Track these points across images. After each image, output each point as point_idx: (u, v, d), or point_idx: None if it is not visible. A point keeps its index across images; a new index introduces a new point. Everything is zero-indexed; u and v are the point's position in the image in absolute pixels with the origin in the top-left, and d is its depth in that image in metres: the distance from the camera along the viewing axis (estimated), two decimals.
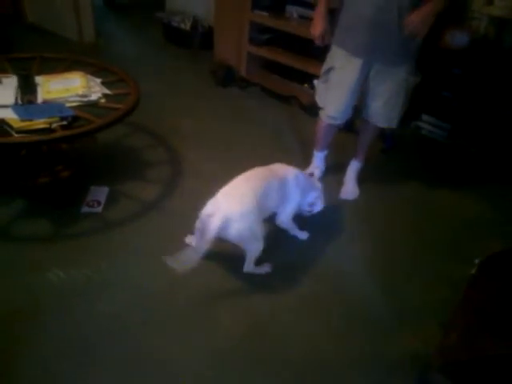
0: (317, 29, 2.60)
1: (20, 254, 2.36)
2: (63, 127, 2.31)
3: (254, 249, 2.22)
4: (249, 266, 2.29)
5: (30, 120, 2.29)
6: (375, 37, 2.43)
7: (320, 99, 2.82)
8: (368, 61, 2.52)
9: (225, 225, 2.06)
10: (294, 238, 2.59)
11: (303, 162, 3.13)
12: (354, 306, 2.27)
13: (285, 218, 2.48)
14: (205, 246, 2.05)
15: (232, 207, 2.10)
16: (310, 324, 2.16)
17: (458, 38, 3.36)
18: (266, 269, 2.34)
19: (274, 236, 2.56)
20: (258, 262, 2.29)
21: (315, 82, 2.83)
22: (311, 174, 2.70)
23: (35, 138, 2.25)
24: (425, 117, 3.76)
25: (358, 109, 2.83)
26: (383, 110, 2.68)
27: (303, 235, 2.60)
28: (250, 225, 2.13)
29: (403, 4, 2.31)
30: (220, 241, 2.14)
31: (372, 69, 2.56)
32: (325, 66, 2.70)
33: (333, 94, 2.70)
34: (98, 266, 2.31)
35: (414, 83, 2.65)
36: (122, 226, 2.58)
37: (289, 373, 1.94)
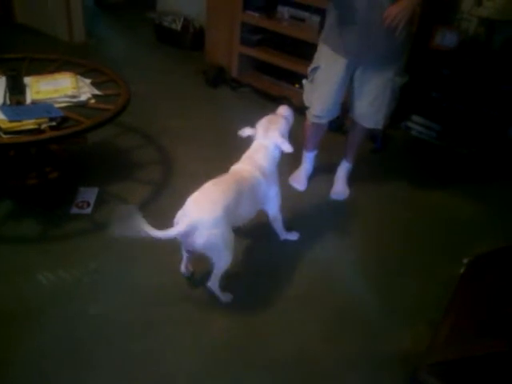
0: None
1: (8, 256, 2.35)
2: (52, 128, 2.30)
3: (224, 261, 2.05)
4: (214, 283, 2.11)
5: (19, 121, 2.27)
6: (361, 37, 2.42)
7: (306, 98, 2.82)
8: (353, 60, 2.53)
9: (191, 232, 1.92)
10: (286, 241, 2.59)
11: (294, 162, 3.12)
12: (345, 307, 2.27)
13: (275, 213, 2.44)
14: (158, 235, 1.90)
15: (201, 213, 1.95)
16: (301, 325, 2.16)
17: (447, 39, 3.38)
18: (227, 298, 2.18)
19: (266, 238, 2.56)
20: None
21: (303, 81, 2.84)
22: None
23: (24, 138, 2.24)
24: (415, 117, 3.77)
25: (347, 109, 2.83)
26: (369, 110, 2.68)
27: (293, 236, 2.60)
28: (223, 232, 1.97)
29: (386, 2, 2.29)
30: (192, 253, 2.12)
31: (358, 68, 2.57)
32: (311, 65, 2.70)
33: (318, 93, 2.70)
34: (88, 267, 2.31)
35: (400, 83, 2.66)
36: (112, 227, 2.57)
37: (280, 373, 1.94)
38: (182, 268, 2.26)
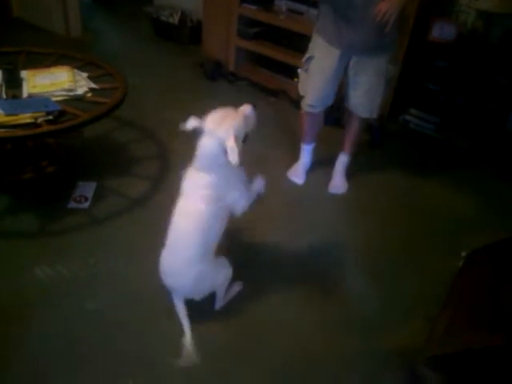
0: None
1: (6, 250, 2.34)
2: (49, 122, 2.28)
3: (223, 286, 2.08)
4: (221, 301, 2.13)
5: (15, 115, 2.26)
6: (354, 31, 2.44)
7: (301, 87, 2.83)
8: (347, 51, 2.55)
9: (190, 294, 2.03)
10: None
11: (291, 156, 3.12)
12: (344, 303, 2.26)
13: (244, 209, 2.06)
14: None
15: (185, 279, 1.97)
16: (300, 324, 2.16)
17: (445, 32, 3.38)
18: (236, 289, 2.19)
19: (264, 237, 2.56)
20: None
21: (299, 70, 2.85)
22: None
23: (20, 132, 2.22)
24: (413, 110, 3.77)
25: (343, 101, 2.83)
26: (364, 100, 2.71)
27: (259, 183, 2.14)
28: (212, 275, 2.01)
29: None
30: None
31: (352, 58, 2.59)
32: (306, 55, 2.72)
33: (312, 83, 2.72)
34: (85, 262, 2.30)
35: (392, 72, 2.67)
36: (110, 222, 2.57)
37: (279, 371, 1.94)
38: None
